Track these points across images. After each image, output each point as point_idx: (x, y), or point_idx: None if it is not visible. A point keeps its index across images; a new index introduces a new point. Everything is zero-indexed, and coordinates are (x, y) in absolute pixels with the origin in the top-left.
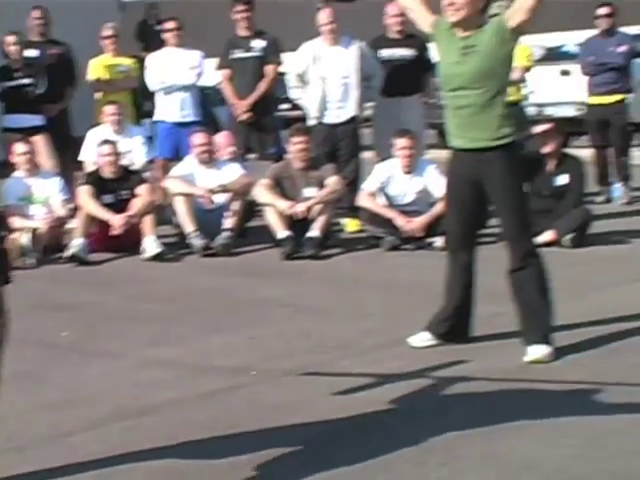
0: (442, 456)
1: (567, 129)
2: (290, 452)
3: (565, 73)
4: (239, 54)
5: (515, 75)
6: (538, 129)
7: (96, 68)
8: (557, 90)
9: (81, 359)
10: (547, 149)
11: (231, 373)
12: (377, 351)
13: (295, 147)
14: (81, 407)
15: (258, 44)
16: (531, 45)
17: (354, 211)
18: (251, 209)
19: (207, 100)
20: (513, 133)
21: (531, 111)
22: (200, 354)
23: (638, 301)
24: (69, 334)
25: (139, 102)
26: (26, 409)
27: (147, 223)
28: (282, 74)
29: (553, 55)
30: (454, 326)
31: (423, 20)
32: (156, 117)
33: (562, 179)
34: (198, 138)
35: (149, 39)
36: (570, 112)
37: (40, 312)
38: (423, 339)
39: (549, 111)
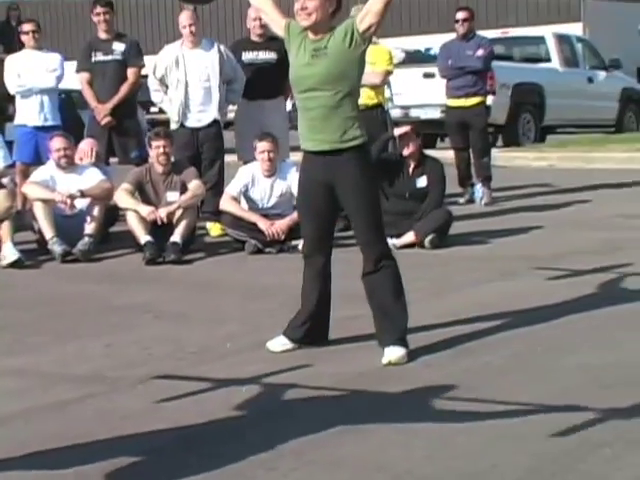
0: (293, 461)
1: (432, 130)
2: (142, 460)
3: (428, 75)
4: (100, 57)
5: (377, 79)
6: (397, 132)
7: None
8: (421, 92)
9: None
10: (406, 151)
11: (85, 381)
12: (236, 356)
13: (155, 151)
14: None
15: (118, 47)
16: (392, 48)
17: (218, 215)
18: (114, 214)
19: (73, 103)
20: (363, 135)
21: (397, 113)
22: (55, 362)
23: (493, 301)
24: None
25: (3, 105)
26: None
27: (4, 230)
28: (145, 77)
29: (417, 58)
30: (311, 330)
31: (275, 23)
32: (16, 121)
33: (422, 181)
34: (56, 142)
35: (11, 41)
36: (435, 114)
37: None
38: (281, 343)
39: (414, 113)
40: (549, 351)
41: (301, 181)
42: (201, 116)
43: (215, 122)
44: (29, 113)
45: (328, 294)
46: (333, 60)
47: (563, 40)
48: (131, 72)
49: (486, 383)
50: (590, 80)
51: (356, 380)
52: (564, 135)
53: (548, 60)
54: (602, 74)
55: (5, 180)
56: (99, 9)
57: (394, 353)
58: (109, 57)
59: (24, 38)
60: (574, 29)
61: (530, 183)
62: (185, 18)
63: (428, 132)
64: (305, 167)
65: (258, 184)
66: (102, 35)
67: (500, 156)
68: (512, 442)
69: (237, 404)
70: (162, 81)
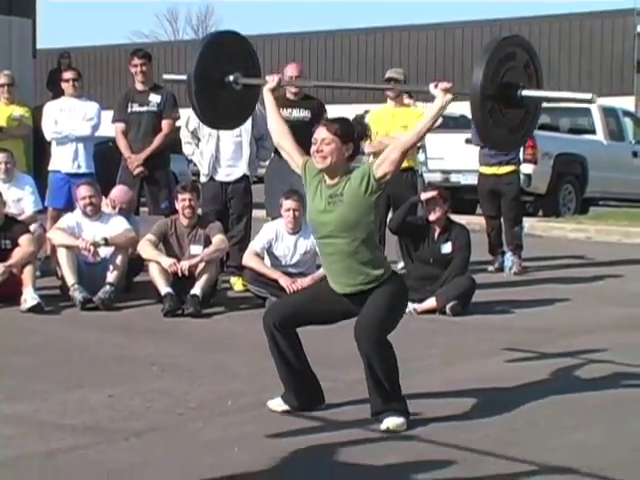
0: None
1: (472, 196)
2: None
3: (470, 141)
4: (135, 108)
5: None
6: (423, 196)
7: None
8: (462, 158)
9: None
10: (432, 216)
11: (80, 431)
12: (235, 413)
13: (181, 204)
14: None
15: (154, 98)
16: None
17: (242, 270)
18: (138, 264)
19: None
20: (385, 272)
21: (437, 177)
22: (54, 411)
23: (503, 373)
24: None
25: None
26: None
27: (27, 274)
28: (179, 129)
29: (459, 123)
30: (304, 398)
31: (293, 161)
32: (50, 167)
33: (447, 247)
34: (82, 190)
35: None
36: (475, 180)
37: None
38: (281, 403)
39: (455, 178)
40: (552, 428)
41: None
42: (231, 170)
43: (244, 177)
44: (63, 160)
45: (304, 361)
46: (348, 207)
47: (609, 113)
48: (165, 123)
49: (483, 457)
50: (635, 154)
51: (352, 446)
52: (606, 208)
53: (593, 132)
54: None
55: (34, 226)
56: (136, 60)
57: (392, 421)
58: (144, 108)
59: (64, 86)
60: (626, 103)
61: (564, 254)
62: None
63: (468, 198)
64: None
65: (282, 241)
66: (139, 86)
67: (538, 226)
68: None
69: (227, 465)
70: (194, 134)
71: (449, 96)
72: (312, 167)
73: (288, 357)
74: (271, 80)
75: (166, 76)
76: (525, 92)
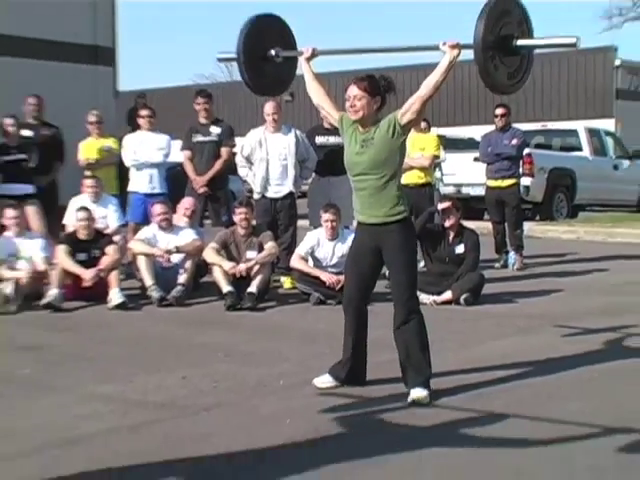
0: None
1: (480, 205)
2: None
3: (477, 159)
4: (199, 138)
5: (426, 162)
6: (440, 206)
7: (84, 150)
8: (471, 173)
9: (31, 393)
10: (447, 223)
11: (159, 407)
12: (286, 391)
13: (238, 217)
14: (18, 435)
15: (215, 130)
16: (441, 151)
17: (290, 270)
18: (204, 267)
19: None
20: (406, 210)
21: (450, 190)
22: (137, 391)
23: (511, 353)
24: (30, 371)
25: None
26: None
27: (113, 277)
28: (235, 154)
29: (468, 144)
30: (351, 371)
31: (331, 116)
32: (130, 188)
33: (460, 248)
34: (157, 208)
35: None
36: (482, 192)
37: (9, 351)
38: (325, 381)
39: (465, 190)
40: (553, 397)
41: (353, 246)
42: (279, 189)
43: (290, 194)
44: (141, 182)
45: (364, 341)
46: (379, 149)
47: (593, 133)
48: (224, 151)
49: (495, 423)
50: (615, 167)
51: (384, 416)
52: (592, 212)
53: (580, 149)
54: (626, 162)
55: (117, 237)
56: (200, 100)
57: (418, 394)
58: (207, 138)
59: (141, 121)
60: (607, 124)
61: (558, 252)
62: (269, 108)
63: (477, 207)
64: (358, 235)
65: (322, 246)
66: (202, 120)
67: (536, 229)
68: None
69: (281, 433)
70: (248, 159)
71: (456, 51)
72: (347, 119)
73: (356, 329)
74: (306, 51)
75: (219, 55)
76: (519, 42)
